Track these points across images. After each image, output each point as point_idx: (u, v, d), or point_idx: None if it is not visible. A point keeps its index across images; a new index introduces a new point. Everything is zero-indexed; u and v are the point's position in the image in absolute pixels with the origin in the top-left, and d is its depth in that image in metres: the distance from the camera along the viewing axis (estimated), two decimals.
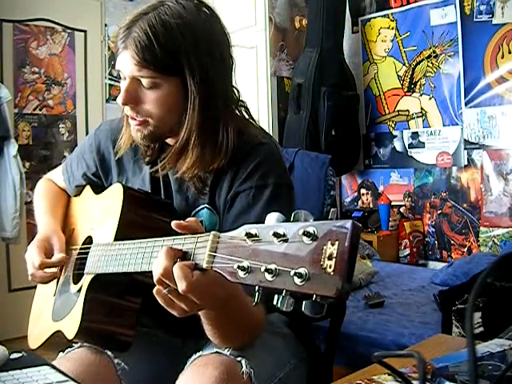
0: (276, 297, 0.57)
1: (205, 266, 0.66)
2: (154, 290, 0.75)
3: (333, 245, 0.53)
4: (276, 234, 0.58)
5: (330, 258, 0.53)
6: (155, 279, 0.74)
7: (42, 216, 1.23)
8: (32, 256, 1.09)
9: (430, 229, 3.49)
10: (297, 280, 0.55)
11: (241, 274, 0.60)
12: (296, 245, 0.56)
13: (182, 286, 0.70)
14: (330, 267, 0.52)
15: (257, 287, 0.60)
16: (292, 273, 0.55)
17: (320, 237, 0.54)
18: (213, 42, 0.99)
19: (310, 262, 0.54)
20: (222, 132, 1.00)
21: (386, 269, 2.91)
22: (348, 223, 0.53)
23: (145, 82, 0.95)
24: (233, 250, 0.63)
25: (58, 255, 1.10)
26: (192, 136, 0.98)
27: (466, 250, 3.30)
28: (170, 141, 1.07)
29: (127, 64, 0.95)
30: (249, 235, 0.61)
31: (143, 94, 0.97)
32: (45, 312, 1.15)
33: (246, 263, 0.60)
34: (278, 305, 0.57)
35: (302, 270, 0.54)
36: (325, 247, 0.53)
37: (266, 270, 0.57)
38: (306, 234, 0.55)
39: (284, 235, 0.57)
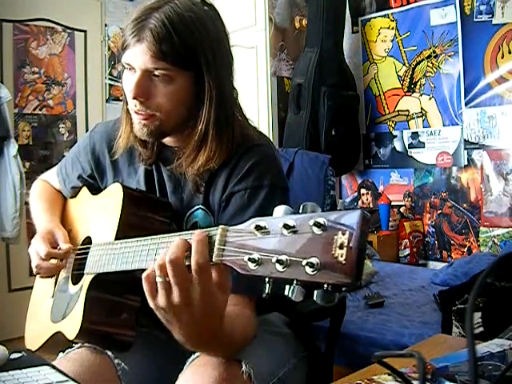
0: (287, 287, 0.58)
1: (214, 259, 0.66)
2: (144, 275, 0.71)
3: (343, 234, 0.54)
4: (286, 226, 0.58)
5: (341, 247, 0.53)
6: (158, 262, 0.70)
7: (41, 215, 1.22)
8: (37, 247, 1.08)
9: (430, 229, 3.49)
10: (308, 270, 0.55)
11: (251, 266, 0.60)
12: (306, 235, 0.56)
13: (200, 259, 0.67)
14: (342, 256, 0.53)
15: (267, 279, 0.60)
16: (304, 263, 0.55)
17: (330, 227, 0.55)
18: (220, 36, 1.01)
19: (321, 252, 0.55)
20: (232, 126, 1.02)
21: (386, 269, 2.91)
22: (357, 212, 0.54)
23: (159, 74, 0.94)
24: (242, 243, 0.63)
25: (64, 245, 1.08)
26: (210, 129, 0.99)
27: (466, 250, 3.30)
28: (167, 141, 1.07)
29: (141, 56, 0.93)
30: (258, 227, 0.61)
31: (155, 87, 0.96)
32: (42, 314, 1.14)
33: (256, 255, 0.60)
34: (289, 295, 0.57)
35: (313, 260, 0.55)
36: (335, 237, 0.54)
37: (278, 261, 0.58)
38: (317, 224, 0.55)
39: (293, 226, 0.58)
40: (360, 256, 0.53)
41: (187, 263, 0.69)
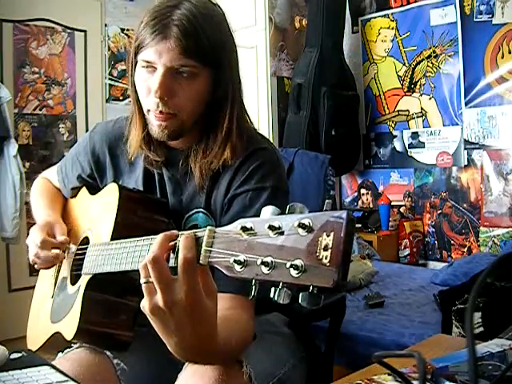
0: (273, 289, 0.57)
1: (201, 261, 0.66)
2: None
3: (328, 236, 0.53)
4: (271, 227, 0.57)
5: (325, 248, 0.53)
6: (142, 264, 0.69)
7: (42, 210, 1.22)
8: (34, 236, 1.08)
9: (429, 229, 3.49)
10: (293, 272, 0.54)
11: (237, 268, 0.60)
12: (292, 237, 0.56)
13: (188, 254, 0.66)
14: (326, 258, 0.52)
15: (253, 281, 0.59)
16: (288, 265, 0.55)
17: (315, 228, 0.54)
18: (232, 35, 1.03)
19: (305, 254, 0.54)
20: (247, 123, 1.04)
21: (386, 269, 2.91)
22: (343, 214, 0.53)
23: (184, 71, 0.94)
24: (229, 245, 0.62)
25: (60, 237, 1.09)
26: (233, 125, 1.00)
27: (466, 250, 3.30)
28: (174, 143, 1.06)
29: (168, 53, 0.92)
30: (244, 229, 0.60)
31: (178, 85, 0.95)
32: (43, 314, 1.14)
33: (242, 257, 0.60)
34: (275, 297, 0.57)
35: (298, 262, 0.54)
36: (320, 238, 0.53)
37: (262, 262, 0.57)
38: (302, 225, 0.55)
39: (279, 228, 0.57)
40: (345, 257, 0.52)
41: (174, 264, 0.68)
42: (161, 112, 0.96)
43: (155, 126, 0.99)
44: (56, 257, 1.08)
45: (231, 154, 1.00)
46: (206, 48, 0.94)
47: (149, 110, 0.98)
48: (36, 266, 1.12)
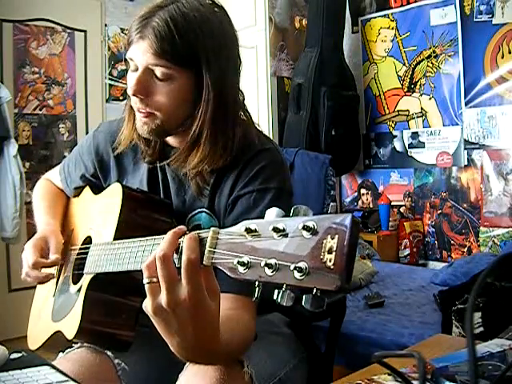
0: (276, 291, 0.57)
1: (205, 262, 0.66)
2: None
3: (332, 238, 0.53)
4: (276, 229, 0.57)
5: (329, 251, 0.53)
6: (146, 263, 0.69)
7: (42, 216, 1.22)
8: (27, 254, 1.09)
9: (430, 229, 3.49)
10: (297, 274, 0.55)
11: (241, 269, 0.60)
12: (296, 239, 0.56)
13: (192, 254, 0.65)
14: (330, 261, 0.53)
15: (257, 282, 0.59)
16: (292, 267, 0.55)
17: (320, 231, 0.54)
18: (226, 38, 1.00)
19: (310, 257, 0.54)
20: (232, 129, 1.01)
21: (386, 269, 2.92)
22: (348, 217, 0.53)
23: (159, 72, 0.94)
24: (232, 246, 0.62)
25: (52, 256, 1.09)
26: (204, 130, 0.98)
27: (465, 250, 3.30)
28: (171, 141, 1.07)
29: (143, 53, 0.94)
30: (248, 230, 0.60)
31: (155, 85, 0.96)
32: (44, 313, 1.14)
33: (245, 258, 0.60)
34: (279, 299, 0.57)
35: (301, 265, 0.54)
36: (324, 241, 0.54)
37: (266, 264, 0.57)
38: (306, 228, 0.55)
39: (284, 230, 0.57)
40: (349, 261, 0.52)
41: (177, 265, 0.68)
42: (139, 109, 0.98)
43: (138, 121, 1.01)
44: (46, 276, 1.09)
45: (197, 162, 0.98)
46: (182, 50, 0.93)
47: (134, 107, 1.00)
48: (28, 281, 1.12)
